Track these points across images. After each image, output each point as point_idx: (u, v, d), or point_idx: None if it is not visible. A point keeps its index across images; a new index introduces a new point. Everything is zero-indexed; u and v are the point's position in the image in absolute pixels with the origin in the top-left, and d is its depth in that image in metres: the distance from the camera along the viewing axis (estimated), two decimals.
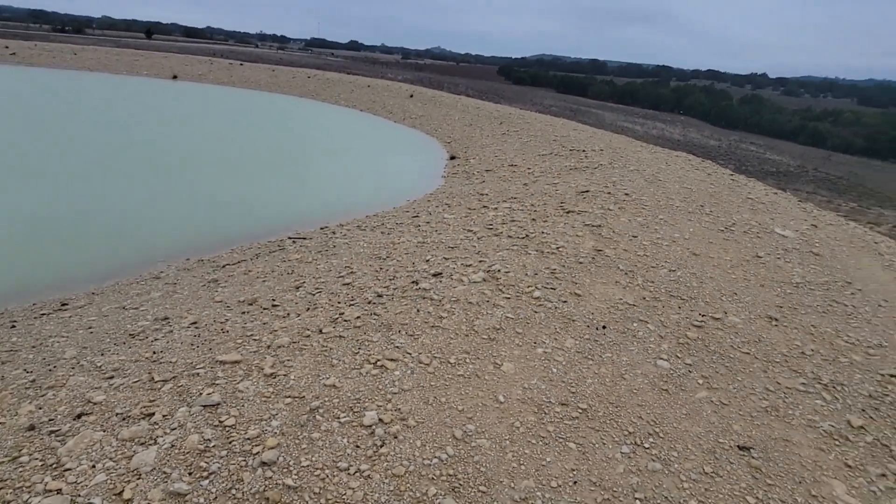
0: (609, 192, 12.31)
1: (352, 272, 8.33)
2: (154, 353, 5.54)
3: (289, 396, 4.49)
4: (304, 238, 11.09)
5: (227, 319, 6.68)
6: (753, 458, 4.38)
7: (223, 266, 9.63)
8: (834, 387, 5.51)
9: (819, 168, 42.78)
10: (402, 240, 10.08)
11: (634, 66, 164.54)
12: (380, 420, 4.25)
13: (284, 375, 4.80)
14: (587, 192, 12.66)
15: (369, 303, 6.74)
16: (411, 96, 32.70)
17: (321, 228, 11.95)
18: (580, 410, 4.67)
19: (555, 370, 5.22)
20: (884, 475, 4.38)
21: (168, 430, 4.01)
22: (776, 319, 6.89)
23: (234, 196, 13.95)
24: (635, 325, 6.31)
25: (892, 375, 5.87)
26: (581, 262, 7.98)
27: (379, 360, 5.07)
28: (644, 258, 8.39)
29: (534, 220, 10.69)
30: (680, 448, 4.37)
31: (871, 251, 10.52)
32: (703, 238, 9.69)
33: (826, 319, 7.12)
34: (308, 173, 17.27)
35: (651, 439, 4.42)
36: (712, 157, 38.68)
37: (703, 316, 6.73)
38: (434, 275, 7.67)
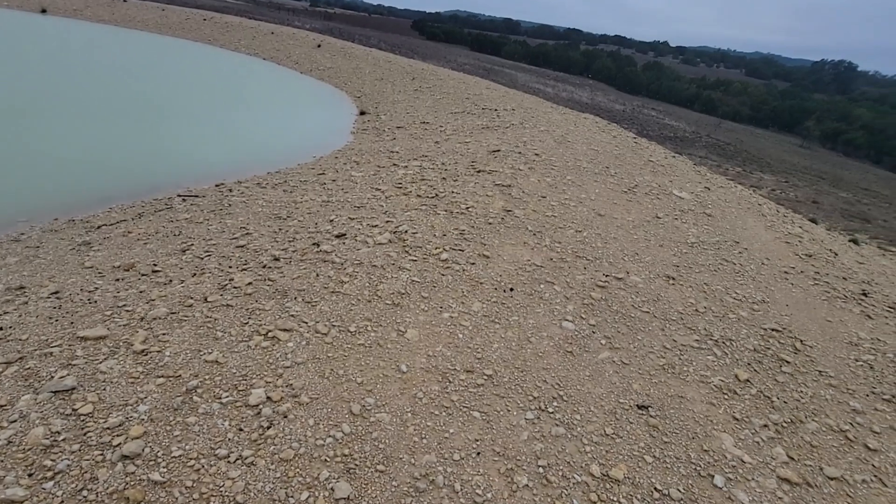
0: (520, 152, 12.20)
1: (247, 233, 7.63)
2: (0, 329, 4.71)
3: (162, 376, 3.92)
4: (197, 196, 10.09)
5: (96, 288, 5.86)
6: (651, 416, 4.42)
7: (98, 227, 8.53)
8: (724, 342, 5.73)
9: (711, 134, 45.67)
10: (306, 199, 9.41)
11: (547, 27, 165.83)
12: (268, 398, 3.81)
13: (158, 352, 4.21)
14: (498, 151, 12.48)
15: (264, 267, 6.16)
16: (319, 46, 30.76)
17: (216, 186, 10.92)
18: (485, 377, 4.49)
19: (461, 336, 4.99)
20: (766, 426, 4.59)
21: (6, 423, 3.35)
22: (673, 279, 7.10)
23: (115, 148, 12.43)
24: (542, 286, 6.22)
25: (773, 329, 6.22)
26: (490, 223, 7.78)
27: (270, 331, 4.59)
28: (552, 219, 8.34)
29: (444, 179, 10.36)
30: (583, 411, 4.32)
31: (755, 212, 11.21)
32: (609, 199, 9.83)
33: (717, 277, 7.44)
34: (204, 125, 15.73)
35: (555, 403, 4.33)
36: (617, 121, 40.08)
37: (606, 276, 6.78)
38: (337, 236, 7.17)
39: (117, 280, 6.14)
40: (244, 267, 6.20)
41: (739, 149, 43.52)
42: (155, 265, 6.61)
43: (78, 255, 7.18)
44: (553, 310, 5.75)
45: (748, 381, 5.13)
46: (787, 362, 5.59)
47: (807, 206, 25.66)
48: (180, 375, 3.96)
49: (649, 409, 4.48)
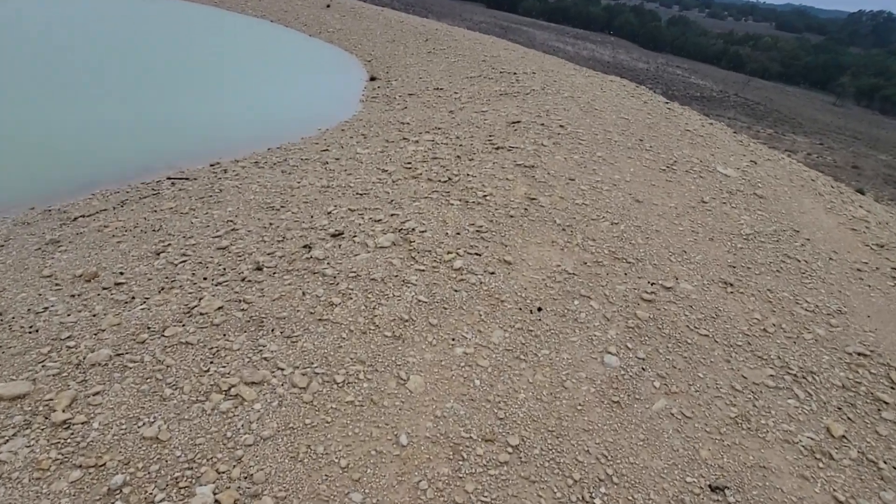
0: (542, 124, 10.81)
1: (234, 229, 6.54)
2: None
3: (80, 466, 2.90)
4: (187, 178, 8.98)
5: (45, 308, 4.84)
6: (729, 502, 3.32)
7: (74, 219, 7.49)
8: (805, 377, 4.55)
9: (739, 93, 43.04)
10: (304, 182, 8.26)
11: None
12: (216, 503, 2.78)
13: (84, 423, 3.18)
14: (518, 122, 11.09)
15: (243, 280, 5.08)
16: (328, 6, 28.88)
17: (211, 165, 9.77)
18: (510, 449, 3.40)
19: (478, 382, 3.89)
20: None
21: None
22: (731, 285, 5.87)
23: (104, 124, 11.31)
24: (577, 302, 5.05)
25: (859, 354, 5.01)
26: (512, 216, 6.57)
27: (234, 386, 3.53)
28: (583, 207, 7.09)
29: (458, 157, 9.10)
30: (641, 499, 3.23)
31: (810, 191, 9.78)
32: (646, 179, 8.50)
33: (781, 281, 6.18)
34: (203, 96, 14.46)
35: (604, 488, 3.24)
36: (641, 81, 37.76)
37: (652, 284, 5.58)
38: (333, 235, 6.04)
39: (73, 296, 5.13)
40: (220, 280, 5.12)
41: (770, 108, 40.99)
42: (121, 274, 5.57)
43: (41, 259, 6.17)
44: (591, 337, 4.60)
45: (844, 437, 3.97)
46: (886, 403, 4.41)
47: (847, 171, 23.78)
48: (105, 464, 2.93)
49: (726, 490, 3.37)
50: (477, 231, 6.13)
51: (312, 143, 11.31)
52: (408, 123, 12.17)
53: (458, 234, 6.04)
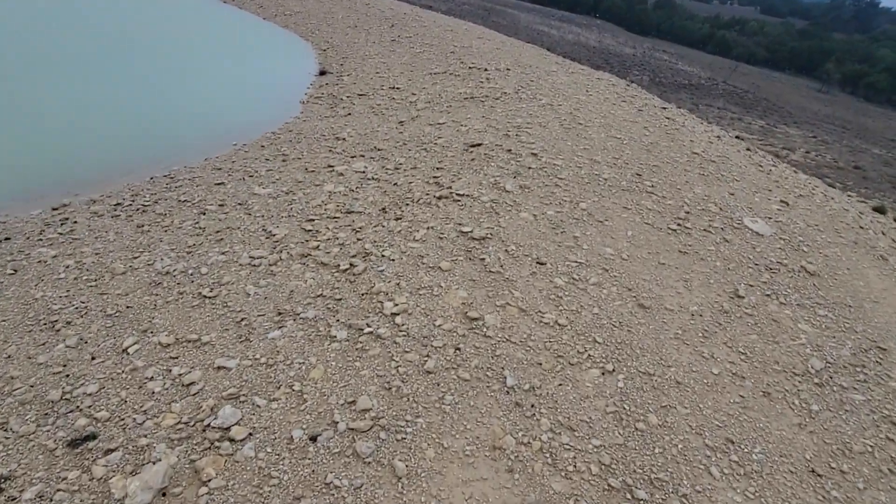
0: (510, 150, 7.74)
1: None
2: None
3: None
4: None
5: None
6: None
7: None
8: None
9: (727, 80, 39.86)
10: (137, 263, 5.19)
11: None
12: None
13: None
14: (479, 145, 8.01)
15: None
16: None
17: (53, 209, 6.59)
18: None
19: None
20: None
21: None
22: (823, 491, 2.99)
23: None
24: None
25: None
26: (431, 373, 3.59)
27: None
28: (555, 337, 4.11)
29: (384, 210, 6.06)
30: None
31: (865, 248, 6.86)
32: (650, 252, 5.53)
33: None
34: (116, 96, 10.88)
35: None
36: (628, 67, 34.41)
37: None
38: (72, 444, 3.05)
39: None
40: None
41: (758, 97, 37.89)
42: None
43: None
44: None
45: None
46: None
47: (851, 174, 20.91)
48: None
49: None
50: (358, 417, 3.15)
51: (213, 167, 8.15)
52: (344, 139, 9.05)
53: (313, 442, 3.05)
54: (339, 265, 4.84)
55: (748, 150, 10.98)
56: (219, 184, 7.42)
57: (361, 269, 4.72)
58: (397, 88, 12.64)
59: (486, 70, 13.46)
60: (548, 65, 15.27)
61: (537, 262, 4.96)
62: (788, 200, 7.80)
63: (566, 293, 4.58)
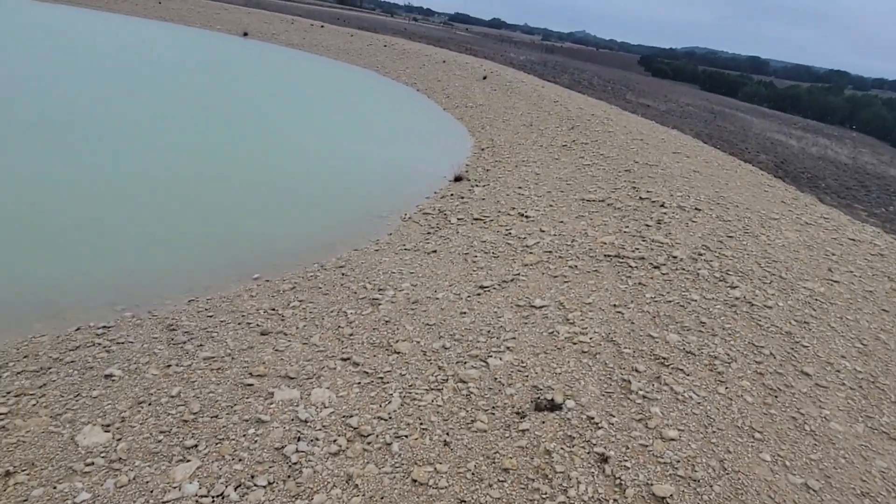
0: (681, 400, 3.58)
1: None
2: None
3: None
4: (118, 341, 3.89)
5: None
6: None
7: None
8: None
9: None
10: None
11: (803, 67, 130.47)
12: None
13: None
14: (558, 408, 4.02)
15: None
16: (484, 78, 23.74)
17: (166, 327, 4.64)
18: None
19: None
20: None
21: None
22: None
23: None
24: None
25: None
26: None
27: None
28: None
29: None
30: None
31: None
32: None
33: None
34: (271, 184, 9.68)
35: None
36: (892, 194, 25.18)
37: None
38: None
39: None
40: None
41: None
42: None
43: None
44: None
45: None
46: None
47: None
48: None
49: None
50: None
51: (197, 310, 5.63)
52: (407, 287, 5.91)
53: None
54: None
55: None
56: (270, 313, 4.81)
57: None
58: (526, 217, 9.12)
59: (662, 206, 9.14)
60: (766, 204, 10.16)
61: None
62: None
63: None
